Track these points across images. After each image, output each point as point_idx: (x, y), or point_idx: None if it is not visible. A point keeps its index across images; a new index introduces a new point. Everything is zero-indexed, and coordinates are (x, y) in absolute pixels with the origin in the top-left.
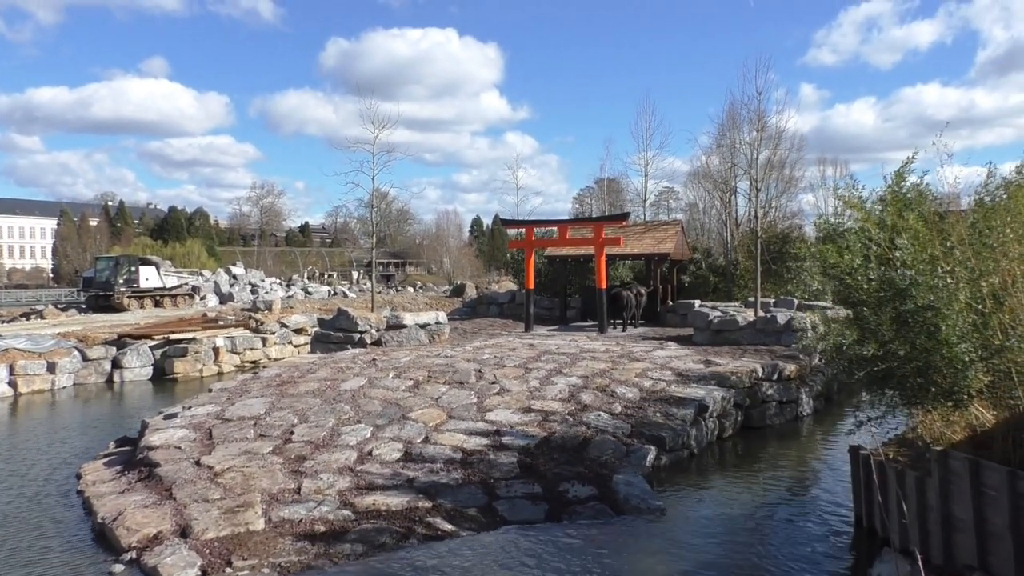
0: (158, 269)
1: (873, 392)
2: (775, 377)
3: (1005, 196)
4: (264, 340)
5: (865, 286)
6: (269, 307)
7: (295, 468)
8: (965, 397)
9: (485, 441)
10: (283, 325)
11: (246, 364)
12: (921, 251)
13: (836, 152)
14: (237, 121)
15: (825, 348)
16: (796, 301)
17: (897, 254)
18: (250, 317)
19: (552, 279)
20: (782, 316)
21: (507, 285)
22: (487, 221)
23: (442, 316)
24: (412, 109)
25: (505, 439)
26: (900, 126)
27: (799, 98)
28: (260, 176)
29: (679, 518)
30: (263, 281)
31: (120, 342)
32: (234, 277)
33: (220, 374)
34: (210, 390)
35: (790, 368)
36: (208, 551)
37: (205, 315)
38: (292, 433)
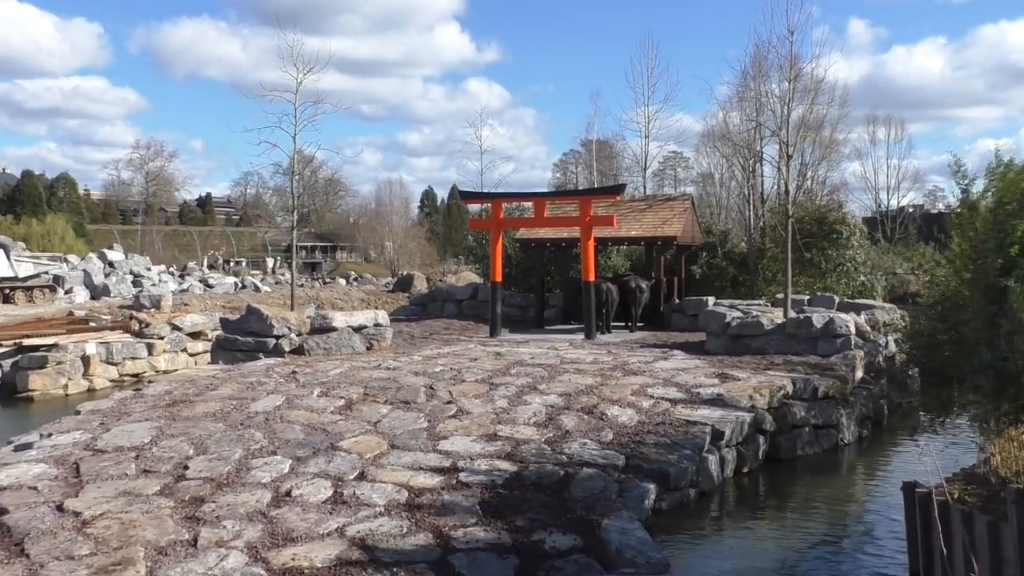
0: (7, 253)
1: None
2: (809, 396)
3: None
4: (150, 347)
5: None
6: (157, 304)
7: (190, 513)
8: None
9: (438, 478)
10: (175, 327)
11: (126, 378)
12: None
13: (891, 108)
14: (113, 58)
15: None
16: (837, 299)
17: None
18: (132, 317)
19: (526, 269)
20: (819, 318)
21: (468, 277)
22: (442, 194)
23: (383, 316)
24: (346, 46)
25: (464, 475)
26: (975, 75)
27: (846, 38)
28: (145, 132)
29: (687, 574)
30: (149, 270)
31: None
32: (110, 264)
33: (91, 391)
34: (78, 412)
35: (828, 384)
36: None
37: (71, 314)
38: (186, 468)
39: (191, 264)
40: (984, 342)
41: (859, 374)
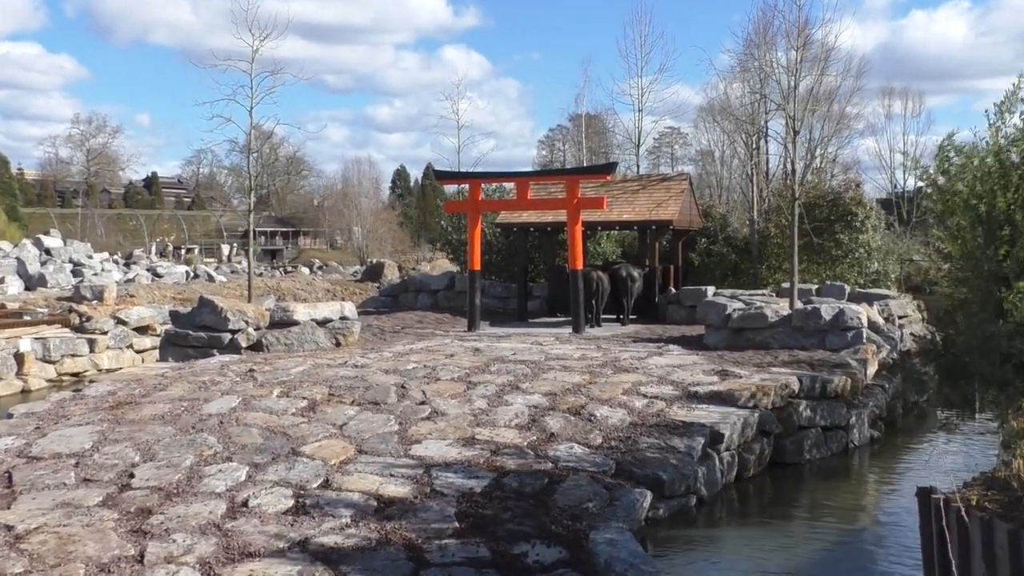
0: None
1: None
2: (817, 394)
3: None
4: (92, 343)
5: None
6: (99, 295)
7: (136, 526)
8: None
9: (410, 486)
10: (120, 321)
11: (65, 378)
12: None
13: (908, 80)
14: (48, 22)
15: None
16: (847, 288)
17: None
18: (71, 310)
19: (507, 257)
20: (828, 309)
21: (443, 265)
22: (416, 174)
23: (350, 308)
24: (308, 10)
25: (438, 482)
26: (1002, 42)
27: (860, 2)
28: (85, 105)
29: None
30: (91, 258)
31: None
32: (47, 252)
33: (25, 392)
34: (10, 415)
35: (837, 382)
36: None
37: (3, 306)
38: (132, 476)
39: (138, 251)
40: (989, 326)
41: (872, 371)
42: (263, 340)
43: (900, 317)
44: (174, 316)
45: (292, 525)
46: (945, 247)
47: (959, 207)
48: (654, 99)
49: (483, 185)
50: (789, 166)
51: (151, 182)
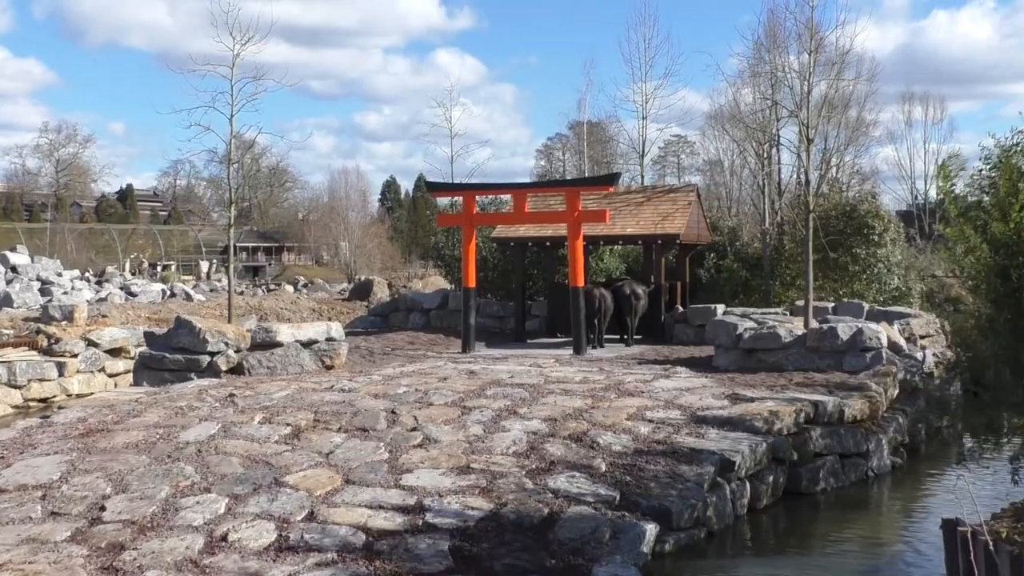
0: None
1: None
2: (834, 419)
3: None
4: (61, 366)
5: None
6: (69, 316)
7: (107, 563)
8: None
9: (401, 518)
10: (91, 343)
11: (32, 403)
12: None
13: (929, 84)
14: (14, 24)
15: None
16: (866, 306)
17: None
18: (39, 331)
19: (504, 274)
20: (845, 328)
21: (436, 282)
22: (407, 185)
23: (337, 329)
24: (292, 12)
25: (431, 515)
26: None
27: (878, 2)
28: (54, 112)
29: None
30: (60, 275)
31: None
32: (13, 269)
33: None
34: None
35: (856, 406)
36: None
37: None
38: (103, 509)
39: (110, 268)
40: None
41: (892, 394)
42: (244, 363)
43: (922, 337)
44: (149, 338)
45: (275, 561)
46: (955, 267)
47: (965, 223)
48: (659, 105)
49: (478, 197)
50: (803, 176)
51: (125, 195)
